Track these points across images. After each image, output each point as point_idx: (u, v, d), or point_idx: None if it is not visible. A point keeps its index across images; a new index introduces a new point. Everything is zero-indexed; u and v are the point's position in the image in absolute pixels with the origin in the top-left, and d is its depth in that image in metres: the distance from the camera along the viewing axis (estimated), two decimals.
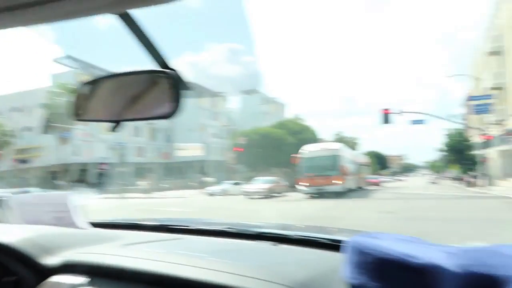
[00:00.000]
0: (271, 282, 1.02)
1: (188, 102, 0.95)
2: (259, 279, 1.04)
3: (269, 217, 13.55)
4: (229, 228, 1.79)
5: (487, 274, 0.92)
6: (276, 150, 44.44)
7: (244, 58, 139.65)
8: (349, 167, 27.47)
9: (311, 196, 23.60)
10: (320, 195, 22.94)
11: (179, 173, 58.78)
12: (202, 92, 52.35)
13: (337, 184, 23.69)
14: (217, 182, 39.73)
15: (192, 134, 58.62)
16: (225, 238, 1.71)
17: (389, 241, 1.10)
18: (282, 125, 50.35)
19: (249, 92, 69.68)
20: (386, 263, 0.97)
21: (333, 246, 1.35)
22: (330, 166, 24.24)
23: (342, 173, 24.58)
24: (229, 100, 69.91)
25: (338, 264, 1.11)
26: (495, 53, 33.30)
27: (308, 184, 24.02)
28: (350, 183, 26.93)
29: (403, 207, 16.23)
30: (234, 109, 70.12)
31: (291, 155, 27.33)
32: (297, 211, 15.92)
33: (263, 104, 69.24)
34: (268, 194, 25.48)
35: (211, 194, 32.60)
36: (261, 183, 27.36)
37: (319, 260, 1.35)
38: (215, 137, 63.23)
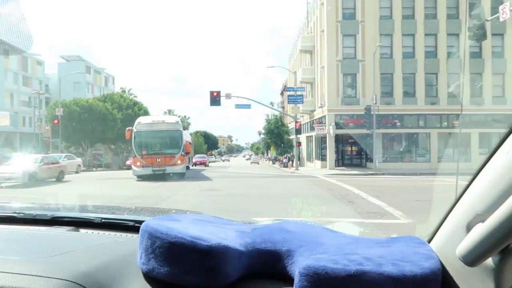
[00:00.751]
0: (45, 277, 0.89)
1: None
2: (30, 275, 0.89)
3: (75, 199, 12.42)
4: (17, 213, 1.52)
5: (270, 250, 1.03)
6: (101, 124, 41.26)
7: (66, 20, 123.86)
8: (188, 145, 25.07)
9: (138, 178, 19.53)
10: (155, 177, 19.08)
11: None
12: (7, 50, 43.98)
13: (179, 164, 20.26)
14: None
15: None
16: (12, 225, 1.44)
17: (185, 224, 1.11)
18: (108, 98, 46.97)
19: (71, 58, 62.33)
20: (175, 247, 0.97)
21: (138, 228, 1.27)
22: (172, 143, 20.55)
23: (185, 152, 21.28)
24: (45, 65, 61.01)
25: (136, 249, 1.07)
26: (307, 51, 38.37)
27: (144, 164, 19.54)
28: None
29: (227, 185, 17.32)
30: (51, 76, 61.46)
31: (127, 128, 21.37)
32: (124, 191, 15.17)
33: (87, 73, 62.87)
34: (38, 179, 17.76)
35: None
36: (22, 163, 17.94)
37: (119, 244, 1.27)
38: (26, 105, 54.61)
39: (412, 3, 30.32)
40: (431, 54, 30.41)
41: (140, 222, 1.31)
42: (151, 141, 20.45)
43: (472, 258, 0.78)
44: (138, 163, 19.78)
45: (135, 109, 46.52)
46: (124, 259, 1.11)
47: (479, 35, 12.56)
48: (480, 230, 0.76)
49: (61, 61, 62.90)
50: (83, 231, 1.41)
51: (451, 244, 0.89)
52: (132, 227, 1.41)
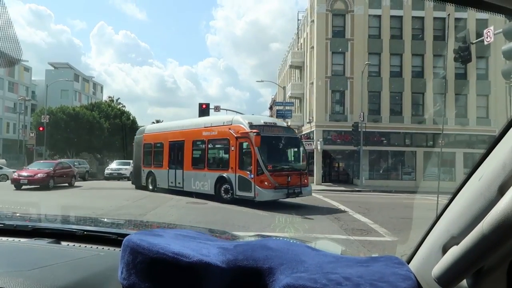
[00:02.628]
0: None
1: None
2: None
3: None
4: None
5: (251, 267, 1.02)
6: (87, 133, 40.80)
7: (54, 26, 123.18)
8: None
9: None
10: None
11: None
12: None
13: (308, 184, 14.78)
14: (10, 165, 33.78)
15: None
16: None
17: (167, 239, 1.11)
18: (96, 107, 46.59)
19: (59, 65, 61.89)
20: (157, 263, 0.96)
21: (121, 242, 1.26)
22: (298, 155, 15.47)
23: (306, 168, 15.42)
24: (32, 71, 60.41)
25: (117, 263, 1.06)
26: (297, 67, 38.77)
27: (274, 184, 13.23)
28: None
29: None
30: (38, 82, 60.79)
31: (254, 132, 13.58)
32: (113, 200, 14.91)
33: (75, 81, 62.39)
34: None
35: None
36: None
37: (100, 258, 1.25)
38: (11, 111, 53.82)
39: (400, 23, 31.05)
40: (418, 74, 31.06)
41: (123, 235, 1.29)
42: (276, 152, 14.46)
43: (447, 280, 0.80)
44: (266, 183, 13.22)
45: (123, 119, 46.21)
46: (104, 274, 1.09)
47: (464, 57, 12.89)
48: (454, 253, 0.78)
49: (49, 68, 62.40)
50: (64, 243, 1.38)
51: (428, 265, 0.90)
52: (114, 241, 1.39)
